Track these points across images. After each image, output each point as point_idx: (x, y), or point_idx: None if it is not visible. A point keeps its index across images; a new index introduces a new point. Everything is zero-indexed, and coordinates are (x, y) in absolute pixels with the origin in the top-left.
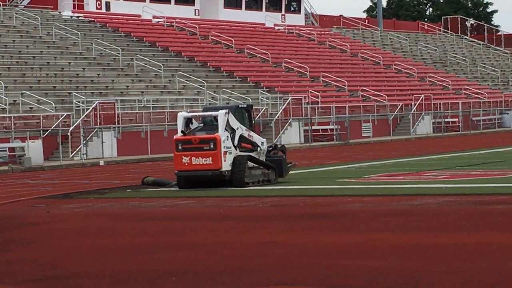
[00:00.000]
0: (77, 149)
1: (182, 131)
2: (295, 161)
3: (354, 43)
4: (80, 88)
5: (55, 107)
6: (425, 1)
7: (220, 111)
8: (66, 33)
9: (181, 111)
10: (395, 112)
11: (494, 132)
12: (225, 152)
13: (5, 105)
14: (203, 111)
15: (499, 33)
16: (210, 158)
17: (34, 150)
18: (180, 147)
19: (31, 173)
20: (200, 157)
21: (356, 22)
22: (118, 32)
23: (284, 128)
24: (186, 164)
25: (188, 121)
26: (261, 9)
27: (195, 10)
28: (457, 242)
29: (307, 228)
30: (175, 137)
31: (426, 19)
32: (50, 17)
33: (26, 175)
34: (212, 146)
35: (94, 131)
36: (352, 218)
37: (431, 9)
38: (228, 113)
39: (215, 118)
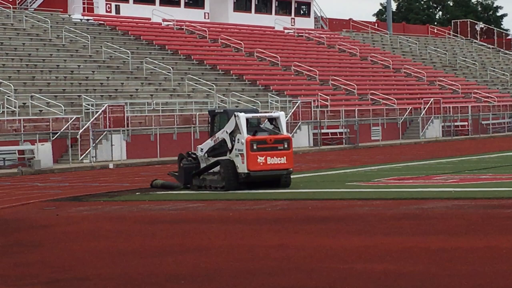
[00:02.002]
0: (86, 152)
1: (256, 131)
2: (303, 165)
3: (364, 47)
4: (90, 91)
5: (65, 110)
6: (435, 5)
7: (281, 112)
8: (76, 36)
9: (240, 112)
10: (405, 116)
11: (504, 136)
12: None
13: (15, 107)
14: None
15: (509, 37)
16: (285, 157)
17: (43, 152)
18: (255, 147)
19: (40, 175)
20: (275, 157)
21: (365, 25)
22: (127, 35)
23: (294, 131)
24: (261, 164)
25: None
26: (270, 13)
27: (204, 13)
28: (466, 246)
29: (316, 232)
30: (247, 137)
31: (435, 23)
32: (60, 20)
33: (35, 178)
34: (286, 145)
35: (104, 134)
36: (361, 222)
37: (440, 12)
38: None
39: (274, 119)
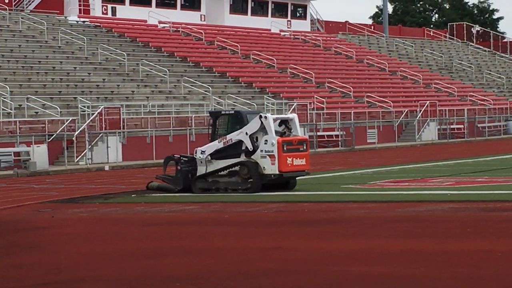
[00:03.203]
0: (82, 154)
1: (284, 132)
2: None
3: (360, 49)
4: (86, 93)
5: (61, 111)
6: (431, 8)
7: (294, 114)
8: (72, 37)
9: (269, 114)
10: (400, 119)
11: (499, 139)
12: None
13: (11, 109)
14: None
15: (505, 40)
16: (305, 159)
17: (39, 154)
18: (285, 148)
19: (36, 177)
20: (298, 158)
21: (361, 28)
22: (124, 37)
23: None
24: (289, 165)
25: None
26: (267, 15)
27: (201, 15)
28: (462, 249)
29: (312, 234)
30: (279, 138)
31: (432, 26)
32: (56, 22)
33: (31, 180)
34: (304, 147)
35: (100, 136)
36: (357, 224)
37: (437, 15)
38: None
39: (289, 120)
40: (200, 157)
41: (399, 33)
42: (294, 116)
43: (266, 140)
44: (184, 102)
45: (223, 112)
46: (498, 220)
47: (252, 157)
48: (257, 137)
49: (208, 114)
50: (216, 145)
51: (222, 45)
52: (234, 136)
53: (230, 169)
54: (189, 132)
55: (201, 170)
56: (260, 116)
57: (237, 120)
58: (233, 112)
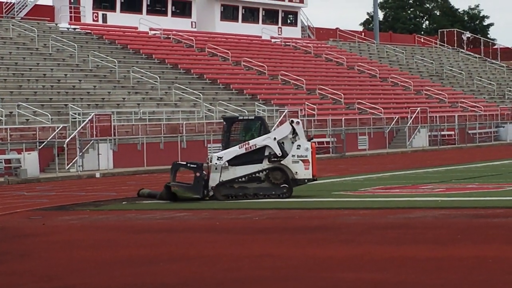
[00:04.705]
0: (73, 161)
1: (312, 138)
2: None
3: (351, 56)
4: (77, 100)
5: (51, 119)
6: (422, 14)
7: (299, 120)
8: (63, 45)
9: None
10: (391, 125)
11: (490, 145)
12: None
13: (1, 116)
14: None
15: (495, 47)
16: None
17: (30, 162)
18: (315, 154)
19: (27, 185)
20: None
21: (352, 35)
22: (114, 44)
23: None
24: (316, 169)
25: None
26: (257, 22)
27: (191, 22)
28: (453, 255)
29: (303, 241)
30: (312, 143)
31: (422, 32)
32: (46, 29)
33: (22, 187)
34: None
35: (90, 143)
36: (348, 231)
37: (427, 22)
38: None
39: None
40: (216, 163)
41: (389, 39)
42: (299, 122)
43: (299, 145)
44: (175, 109)
45: (240, 118)
46: (488, 226)
47: (282, 162)
48: (283, 142)
49: (222, 120)
50: (236, 150)
51: (213, 52)
52: (259, 142)
53: (253, 175)
54: (180, 139)
55: (214, 176)
56: (292, 122)
57: (257, 125)
58: (253, 117)
